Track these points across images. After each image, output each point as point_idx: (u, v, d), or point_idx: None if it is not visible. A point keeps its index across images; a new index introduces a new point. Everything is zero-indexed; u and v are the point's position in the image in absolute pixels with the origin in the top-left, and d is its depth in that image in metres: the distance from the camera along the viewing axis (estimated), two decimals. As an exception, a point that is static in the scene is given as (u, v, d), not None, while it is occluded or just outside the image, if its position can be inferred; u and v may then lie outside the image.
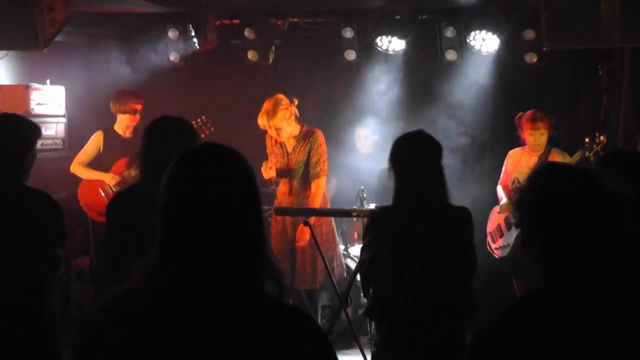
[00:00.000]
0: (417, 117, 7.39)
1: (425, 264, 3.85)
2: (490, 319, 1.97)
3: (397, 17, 7.49)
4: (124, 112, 6.99)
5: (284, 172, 6.28)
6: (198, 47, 7.83)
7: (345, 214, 6.12)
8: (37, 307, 4.01)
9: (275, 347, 1.75)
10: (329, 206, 6.44)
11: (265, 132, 6.27)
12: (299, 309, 1.89)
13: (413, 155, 3.90)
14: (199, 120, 7.18)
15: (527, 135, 6.46)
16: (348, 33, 7.56)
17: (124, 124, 7.01)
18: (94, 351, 1.77)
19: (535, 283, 2.01)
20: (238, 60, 7.92)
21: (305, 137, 6.23)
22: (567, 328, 1.87)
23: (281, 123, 6.08)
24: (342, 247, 6.80)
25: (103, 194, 6.79)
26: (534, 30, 7.04)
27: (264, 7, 7.48)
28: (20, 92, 7.13)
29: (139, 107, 7.01)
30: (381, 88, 7.77)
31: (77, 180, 7.03)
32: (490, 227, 6.82)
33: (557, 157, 6.44)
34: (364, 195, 6.05)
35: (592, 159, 6.26)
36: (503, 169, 6.77)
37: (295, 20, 7.80)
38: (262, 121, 6.12)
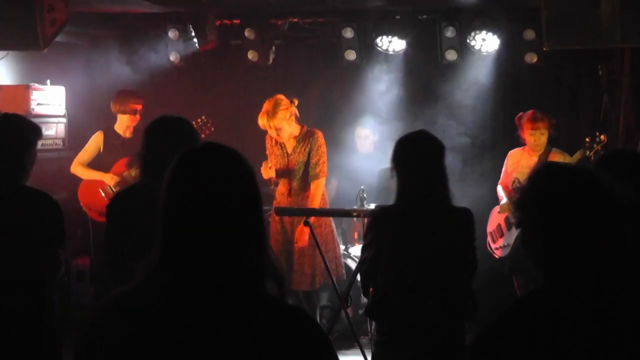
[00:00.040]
0: (417, 117, 7.40)
1: (426, 264, 3.85)
2: (491, 319, 1.97)
3: (398, 17, 7.49)
4: (124, 112, 6.99)
5: (284, 173, 6.28)
6: (198, 47, 7.83)
7: (346, 214, 6.12)
8: (37, 307, 4.00)
9: (275, 347, 1.75)
10: (328, 207, 6.44)
11: (265, 132, 6.27)
12: (299, 309, 1.89)
13: (415, 156, 3.90)
14: (199, 120, 7.18)
15: (527, 135, 6.46)
16: (348, 33, 7.56)
17: (124, 124, 7.01)
18: (94, 351, 1.78)
19: (535, 283, 2.01)
20: (238, 60, 7.92)
21: (305, 137, 6.23)
22: (567, 328, 1.87)
23: (281, 123, 6.08)
24: (342, 247, 6.79)
25: (103, 194, 6.79)
26: (534, 30, 7.04)
27: (264, 7, 7.48)
28: (21, 92, 7.13)
29: (139, 107, 7.01)
30: (381, 88, 7.77)
31: (77, 180, 7.03)
32: (491, 227, 6.82)
33: (557, 157, 6.44)
34: (364, 195, 6.05)
35: (592, 158, 6.26)
36: (503, 169, 6.78)
37: (296, 20, 7.80)
38: (262, 121, 6.12)
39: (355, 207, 5.95)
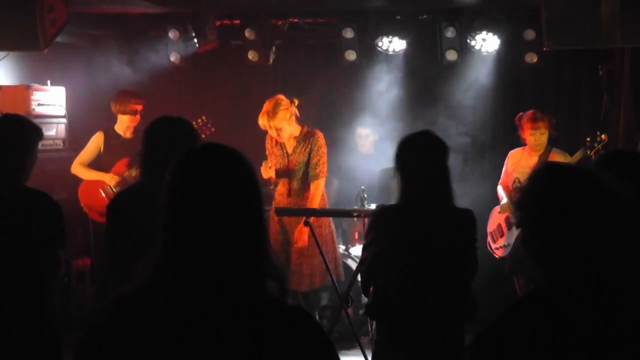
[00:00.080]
0: (418, 117, 7.40)
1: (426, 265, 3.85)
2: (491, 319, 1.97)
3: (398, 17, 7.50)
4: (124, 113, 6.99)
5: (284, 173, 6.27)
6: (198, 47, 7.83)
7: (346, 214, 6.12)
8: (37, 308, 4.00)
9: (275, 347, 1.75)
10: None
11: (265, 132, 6.27)
12: (300, 309, 1.89)
13: (418, 156, 3.88)
14: (199, 120, 7.18)
15: (528, 135, 6.47)
16: (348, 33, 7.56)
17: (124, 125, 7.01)
18: (94, 351, 1.78)
19: (536, 283, 2.01)
20: (238, 60, 7.92)
21: (305, 138, 6.23)
22: (567, 328, 1.88)
23: (281, 123, 6.08)
24: (342, 247, 6.79)
25: (103, 195, 6.79)
26: (534, 30, 7.04)
27: (264, 7, 7.48)
28: (21, 92, 7.13)
29: (139, 107, 7.01)
30: (381, 88, 7.77)
31: (77, 180, 7.03)
32: (491, 226, 6.83)
33: (557, 157, 6.45)
34: (365, 195, 6.05)
35: (593, 157, 6.27)
36: (503, 169, 6.78)
37: (296, 20, 7.80)
38: (262, 121, 6.12)
39: (355, 207, 5.95)
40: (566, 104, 7.76)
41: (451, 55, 7.42)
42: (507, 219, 6.63)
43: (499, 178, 6.82)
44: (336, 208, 6.55)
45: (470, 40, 7.33)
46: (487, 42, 7.32)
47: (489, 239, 6.81)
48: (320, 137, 6.23)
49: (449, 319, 3.91)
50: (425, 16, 7.62)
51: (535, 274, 2.00)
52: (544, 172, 2.05)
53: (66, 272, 6.52)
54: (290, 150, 6.24)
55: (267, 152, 6.37)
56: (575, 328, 1.87)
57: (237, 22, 7.79)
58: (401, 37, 7.46)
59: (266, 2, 7.29)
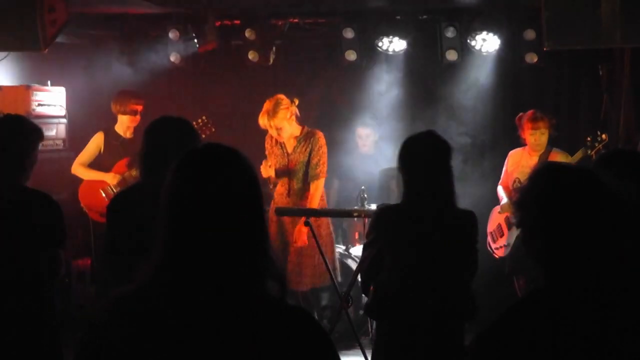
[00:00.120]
0: (418, 117, 7.40)
1: (426, 265, 3.85)
2: (491, 319, 1.97)
3: (398, 17, 7.50)
4: (124, 113, 6.99)
5: (284, 173, 6.27)
6: (198, 47, 7.83)
7: (346, 214, 6.12)
8: (38, 308, 4.01)
9: (276, 347, 1.75)
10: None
11: (265, 132, 6.27)
12: (300, 309, 1.90)
13: (422, 156, 3.88)
14: (199, 120, 7.18)
15: (528, 135, 6.47)
16: (349, 33, 7.56)
17: (124, 125, 7.01)
18: (94, 351, 1.78)
19: (536, 283, 2.01)
20: (239, 60, 7.92)
21: (306, 138, 6.23)
22: (567, 328, 1.88)
23: (282, 123, 6.08)
24: (342, 247, 6.79)
25: (104, 195, 6.80)
26: (534, 30, 7.04)
27: (264, 7, 7.48)
28: (21, 93, 7.13)
29: (139, 107, 7.01)
30: (382, 88, 7.78)
31: (77, 180, 7.03)
32: (491, 226, 6.83)
33: (557, 157, 6.45)
34: (365, 195, 6.05)
35: (593, 157, 6.27)
36: (504, 169, 6.78)
37: (296, 20, 7.79)
38: (262, 121, 6.12)
39: (355, 208, 5.95)
40: (566, 104, 7.76)
41: (451, 56, 7.42)
42: (507, 219, 6.63)
43: (499, 178, 6.82)
44: (336, 208, 6.55)
45: (470, 40, 7.33)
46: (487, 42, 7.32)
47: (489, 239, 6.81)
48: (320, 137, 6.23)
49: (449, 319, 3.92)
50: (425, 16, 7.62)
51: (535, 274, 2.00)
52: (544, 172, 2.05)
53: (66, 272, 6.52)
54: (290, 150, 6.25)
55: (266, 152, 6.37)
56: (575, 328, 1.87)
57: (237, 22, 7.79)
58: (401, 37, 7.46)
59: (266, 2, 7.29)
